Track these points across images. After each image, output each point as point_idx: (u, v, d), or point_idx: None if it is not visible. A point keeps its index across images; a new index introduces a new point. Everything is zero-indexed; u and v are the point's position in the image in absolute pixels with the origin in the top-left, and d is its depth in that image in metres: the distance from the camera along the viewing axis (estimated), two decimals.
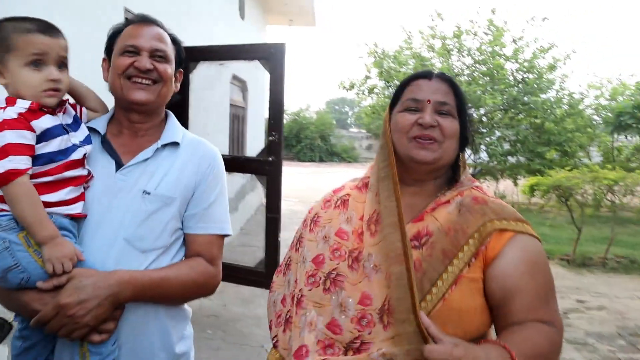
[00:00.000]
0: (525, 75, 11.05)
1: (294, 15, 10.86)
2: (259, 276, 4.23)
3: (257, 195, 8.79)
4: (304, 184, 14.95)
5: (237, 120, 8.43)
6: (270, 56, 3.98)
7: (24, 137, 1.13)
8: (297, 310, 1.19)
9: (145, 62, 1.32)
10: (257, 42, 6.60)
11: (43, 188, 1.17)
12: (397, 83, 11.06)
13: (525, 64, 11.05)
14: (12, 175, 1.10)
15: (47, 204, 1.17)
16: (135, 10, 3.67)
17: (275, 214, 4.11)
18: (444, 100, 1.18)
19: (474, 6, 11.57)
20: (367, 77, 12.48)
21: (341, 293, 1.14)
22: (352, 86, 12.66)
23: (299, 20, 11.31)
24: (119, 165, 1.34)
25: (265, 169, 4.07)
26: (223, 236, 1.45)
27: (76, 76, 2.99)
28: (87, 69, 2.86)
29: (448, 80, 1.23)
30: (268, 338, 4.16)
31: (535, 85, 10.78)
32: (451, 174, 1.26)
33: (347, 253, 1.19)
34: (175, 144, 1.40)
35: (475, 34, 11.46)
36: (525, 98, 10.70)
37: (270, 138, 4.01)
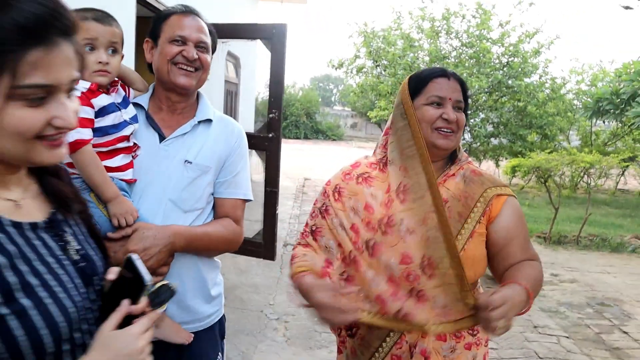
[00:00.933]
0: (510, 59, 11.30)
1: None
2: (257, 247, 4.45)
3: (254, 170, 8.96)
4: (291, 161, 15.12)
5: (231, 95, 8.54)
6: (272, 36, 4.12)
7: (87, 112, 1.32)
8: (357, 268, 1.40)
9: (192, 52, 1.51)
10: (255, 21, 6.70)
11: (101, 156, 1.37)
12: (386, 63, 11.17)
13: (511, 48, 11.29)
14: (78, 144, 1.30)
15: (106, 169, 1.37)
16: None
17: (274, 187, 4.32)
18: (459, 98, 1.46)
19: None
20: (357, 57, 12.59)
21: (382, 257, 1.38)
22: (340, 65, 12.78)
23: None
24: (161, 137, 1.55)
25: (265, 145, 4.26)
26: (245, 201, 1.68)
27: None
28: None
29: (460, 80, 1.50)
30: (265, 304, 4.46)
31: (520, 69, 11.05)
32: (452, 152, 1.53)
33: (377, 223, 1.41)
34: (208, 121, 1.61)
35: (463, 17, 11.64)
36: (510, 81, 10.98)
37: (271, 115, 4.19)
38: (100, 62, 1.37)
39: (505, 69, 11.24)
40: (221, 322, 1.71)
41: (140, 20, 3.71)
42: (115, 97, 1.45)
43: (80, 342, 0.86)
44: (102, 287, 0.96)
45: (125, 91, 1.53)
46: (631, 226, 8.52)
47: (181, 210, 1.52)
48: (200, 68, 1.55)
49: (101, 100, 1.37)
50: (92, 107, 1.35)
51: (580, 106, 12.48)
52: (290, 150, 18.72)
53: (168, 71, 1.52)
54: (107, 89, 1.43)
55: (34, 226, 0.87)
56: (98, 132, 1.37)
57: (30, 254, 0.84)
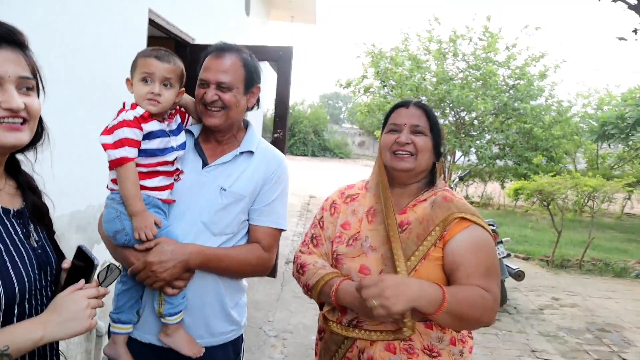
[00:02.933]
0: (516, 82, 11.41)
1: (296, 12, 11.06)
2: None
3: None
4: (298, 178, 15.21)
5: None
6: (279, 58, 4.26)
7: (135, 134, 1.47)
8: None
9: (210, 95, 1.61)
10: (264, 41, 6.85)
11: (142, 175, 1.52)
12: (393, 83, 11.32)
13: (517, 70, 11.41)
14: (124, 160, 1.46)
15: (143, 187, 1.52)
16: (159, 11, 3.92)
17: None
18: (417, 123, 1.57)
19: (470, 12, 11.88)
20: (364, 77, 12.75)
21: (344, 267, 1.57)
22: (348, 84, 12.94)
23: (300, 17, 11.51)
24: (204, 163, 1.66)
25: None
26: (279, 230, 1.75)
27: (102, 72, 3.29)
28: (114, 66, 3.14)
29: (422, 106, 1.61)
30: (265, 320, 4.50)
31: (526, 92, 11.14)
32: (430, 179, 1.64)
33: (347, 239, 1.60)
34: (250, 152, 1.71)
35: (470, 39, 11.80)
36: (516, 104, 11.07)
37: (275, 135, 4.30)
38: (152, 93, 1.51)
39: (511, 91, 11.34)
40: (237, 341, 1.76)
41: (152, 41, 3.84)
42: (170, 125, 1.58)
43: (28, 312, 1.08)
44: (57, 279, 1.20)
45: (183, 118, 1.67)
46: (636, 251, 8.47)
47: (211, 233, 1.62)
48: (225, 107, 1.63)
49: (151, 126, 1.51)
50: (141, 130, 1.49)
51: (587, 129, 12.54)
52: (297, 168, 18.82)
53: (200, 112, 1.65)
54: (163, 117, 1.57)
55: (6, 211, 1.11)
56: (143, 153, 1.51)
57: None
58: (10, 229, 1.10)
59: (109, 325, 1.66)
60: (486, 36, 11.60)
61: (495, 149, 12.06)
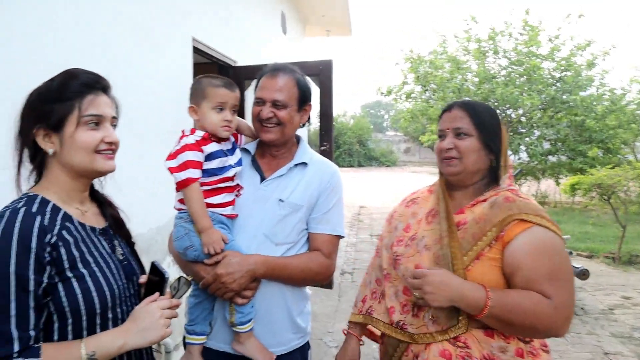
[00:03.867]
0: (563, 74, 11.01)
1: (331, 26, 11.19)
2: None
3: None
4: (346, 190, 15.20)
5: None
6: (319, 72, 4.33)
7: (197, 156, 1.58)
8: (386, 283, 1.68)
9: (266, 112, 1.72)
10: (301, 57, 6.97)
11: (206, 193, 1.61)
12: (434, 87, 11.21)
13: (563, 62, 11.02)
14: (189, 181, 1.57)
15: (208, 205, 1.61)
16: (201, 39, 4.08)
17: None
18: (458, 125, 1.56)
19: (507, 8, 11.62)
20: (404, 83, 12.67)
21: (401, 267, 1.62)
22: (389, 92, 12.87)
23: (335, 30, 11.63)
24: (262, 178, 1.76)
25: None
26: (338, 236, 1.82)
27: (155, 100, 3.45)
28: (165, 94, 3.28)
29: (464, 106, 1.59)
30: (325, 332, 4.51)
31: (574, 83, 10.73)
32: (492, 178, 1.60)
33: (407, 240, 1.65)
34: (304, 164, 1.79)
35: (510, 35, 11.51)
36: (564, 96, 10.67)
37: (322, 148, 4.36)
38: (226, 120, 1.64)
39: (558, 84, 10.95)
40: (303, 348, 1.84)
41: (196, 67, 4.00)
42: (225, 145, 1.69)
43: (120, 317, 1.25)
44: (139, 291, 1.35)
45: (236, 138, 1.79)
46: None
47: (272, 243, 1.71)
48: (280, 123, 1.73)
49: (210, 148, 1.63)
50: (202, 152, 1.60)
51: None
52: (345, 180, 18.82)
53: (257, 129, 1.77)
54: (218, 138, 1.67)
55: (92, 229, 1.29)
56: (205, 173, 1.62)
57: (89, 243, 1.25)
58: (98, 244, 1.28)
59: (184, 337, 1.76)
60: (526, 30, 11.27)
61: (547, 145, 11.63)
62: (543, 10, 11.09)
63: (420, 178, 20.04)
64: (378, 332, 1.79)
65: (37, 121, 1.21)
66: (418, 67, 12.19)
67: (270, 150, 1.81)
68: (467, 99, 11.43)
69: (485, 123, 1.57)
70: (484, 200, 1.55)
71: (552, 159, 11.82)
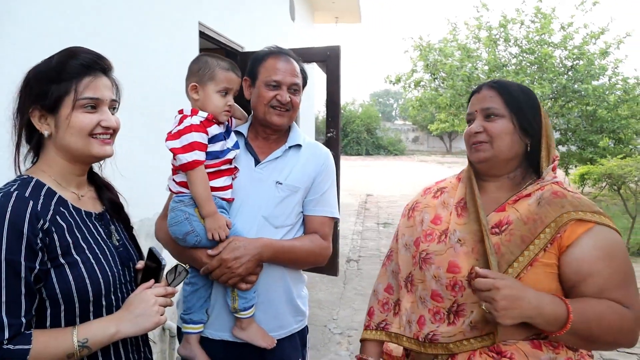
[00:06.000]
0: (575, 62, 10.87)
1: (340, 13, 11.10)
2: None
3: None
4: (353, 178, 15.20)
5: None
6: (327, 58, 4.29)
7: (203, 138, 1.55)
8: (411, 288, 1.48)
9: (285, 96, 1.71)
10: (310, 45, 6.92)
11: (209, 176, 1.58)
12: (443, 75, 11.09)
13: (575, 50, 10.87)
14: (196, 163, 1.53)
15: (212, 188, 1.59)
16: (208, 24, 4.05)
17: None
18: (487, 105, 1.38)
19: None
20: (414, 71, 12.58)
21: (432, 267, 1.39)
22: (398, 80, 12.79)
23: (345, 17, 11.54)
24: (256, 161, 1.74)
25: None
26: (333, 218, 1.81)
27: (159, 85, 3.44)
28: (169, 80, 3.27)
29: (494, 85, 1.41)
30: (329, 319, 4.53)
31: (586, 72, 10.59)
32: (530, 167, 1.39)
33: (439, 234, 1.43)
34: (298, 146, 1.79)
35: (522, 23, 11.36)
36: (576, 86, 10.54)
37: (329, 134, 4.34)
38: (229, 105, 1.62)
39: (570, 73, 10.81)
40: (303, 332, 1.84)
41: (203, 52, 3.99)
42: (221, 128, 1.66)
43: (114, 304, 1.22)
44: (136, 277, 1.32)
45: (230, 122, 1.75)
46: None
47: (272, 226, 1.70)
48: (291, 108, 1.74)
49: (213, 130, 1.60)
50: (207, 134, 1.57)
51: None
52: (352, 167, 18.80)
53: (265, 112, 1.72)
54: (217, 121, 1.65)
55: (88, 214, 1.25)
56: (209, 155, 1.58)
57: (84, 229, 1.21)
58: (93, 229, 1.25)
59: (178, 327, 1.75)
60: (539, 18, 11.12)
61: (557, 135, 11.52)
62: None
63: (428, 167, 19.97)
64: (398, 351, 1.55)
65: (33, 101, 1.17)
66: (427, 55, 12.08)
67: (266, 134, 1.78)
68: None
69: (519, 101, 1.37)
70: (528, 196, 1.33)
71: (562, 148, 11.72)
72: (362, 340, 1.59)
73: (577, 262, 1.22)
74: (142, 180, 2.86)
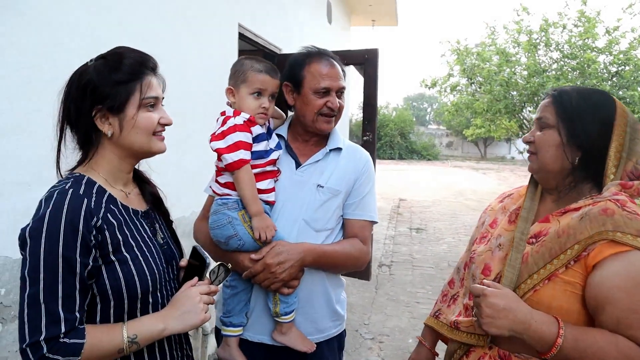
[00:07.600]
0: (620, 68, 10.49)
1: (377, 15, 11.07)
2: None
3: None
4: (386, 182, 15.09)
5: None
6: (365, 61, 4.26)
7: (247, 137, 1.54)
8: (462, 284, 1.59)
9: (336, 102, 1.69)
10: (346, 47, 6.90)
11: (255, 177, 1.57)
12: (481, 80, 10.88)
13: (621, 56, 10.48)
14: (242, 162, 1.52)
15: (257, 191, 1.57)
16: (247, 25, 4.09)
17: None
18: (540, 115, 1.36)
19: None
20: (450, 75, 12.39)
21: (472, 266, 1.45)
22: (434, 84, 12.62)
23: (381, 20, 11.50)
24: (297, 164, 1.73)
25: None
26: (372, 222, 1.79)
27: (200, 86, 3.48)
28: (210, 80, 3.32)
29: (552, 94, 1.36)
30: (361, 323, 4.49)
31: (632, 78, 10.20)
32: (586, 180, 1.31)
33: (490, 237, 1.47)
34: (339, 149, 1.77)
35: (564, 27, 11.04)
36: (620, 92, 10.17)
37: (365, 138, 4.31)
38: (263, 107, 1.60)
39: (614, 79, 10.44)
40: (341, 335, 1.82)
41: (242, 54, 4.03)
42: (263, 128, 1.66)
43: (160, 301, 1.24)
44: (178, 275, 1.35)
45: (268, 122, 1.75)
46: None
47: (313, 230, 1.68)
48: (337, 113, 1.72)
49: (257, 130, 1.59)
50: (252, 133, 1.57)
51: None
52: (385, 171, 18.66)
53: (314, 120, 1.69)
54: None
55: (135, 212, 1.28)
56: (254, 155, 1.58)
57: (132, 227, 1.24)
58: (140, 227, 1.27)
59: (217, 329, 1.75)
60: (582, 21, 10.77)
61: None
62: (601, 0, 10.53)
63: (463, 173, 19.63)
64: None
65: (96, 102, 1.18)
66: (464, 59, 11.88)
67: (308, 136, 1.76)
68: (514, 93, 11.07)
69: (572, 112, 1.28)
70: (576, 209, 1.25)
71: None
72: (425, 325, 1.69)
73: (598, 287, 1.13)
74: (180, 179, 2.91)
